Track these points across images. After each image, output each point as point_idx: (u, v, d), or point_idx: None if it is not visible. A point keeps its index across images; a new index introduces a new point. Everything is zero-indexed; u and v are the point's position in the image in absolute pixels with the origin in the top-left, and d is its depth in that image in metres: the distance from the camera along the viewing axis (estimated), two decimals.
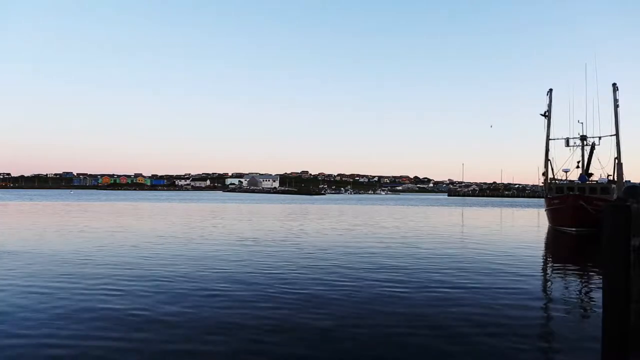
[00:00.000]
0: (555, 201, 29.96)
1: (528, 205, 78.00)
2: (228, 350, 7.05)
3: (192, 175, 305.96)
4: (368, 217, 41.06)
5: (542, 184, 37.58)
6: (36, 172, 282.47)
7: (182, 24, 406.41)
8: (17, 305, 9.41)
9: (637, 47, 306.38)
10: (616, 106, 32.61)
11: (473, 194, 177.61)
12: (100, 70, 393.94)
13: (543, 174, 35.78)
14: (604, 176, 33.86)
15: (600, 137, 34.26)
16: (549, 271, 15.55)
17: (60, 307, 9.33)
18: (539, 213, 49.47)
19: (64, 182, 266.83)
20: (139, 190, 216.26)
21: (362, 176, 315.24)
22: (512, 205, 79.37)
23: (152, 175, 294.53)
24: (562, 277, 14.07)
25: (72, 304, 9.52)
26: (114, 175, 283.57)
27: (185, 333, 7.83)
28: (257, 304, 9.77)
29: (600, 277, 4.80)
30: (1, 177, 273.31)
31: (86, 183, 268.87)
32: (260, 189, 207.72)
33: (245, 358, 6.80)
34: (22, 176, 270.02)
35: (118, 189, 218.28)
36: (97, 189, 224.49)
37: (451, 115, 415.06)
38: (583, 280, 13.51)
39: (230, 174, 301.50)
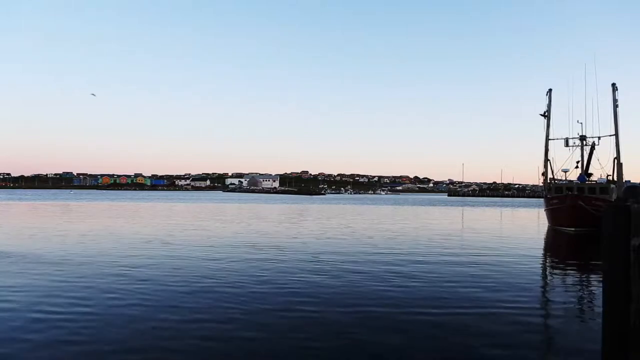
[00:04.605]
0: (554, 201, 29.99)
1: (528, 205, 78.00)
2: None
3: (192, 175, 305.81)
4: (369, 218, 41.03)
5: (542, 184, 37.60)
6: (36, 172, 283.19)
7: (181, 24, 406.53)
8: None
9: (637, 47, 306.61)
10: (615, 106, 32.63)
11: (473, 194, 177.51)
12: (100, 70, 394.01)
13: (543, 174, 35.79)
14: (604, 176, 33.90)
15: (599, 137, 34.31)
16: (548, 271, 15.56)
17: None
18: (538, 213, 49.47)
19: (64, 182, 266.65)
20: (139, 190, 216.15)
21: (362, 176, 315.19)
22: (512, 205, 79.37)
23: (152, 175, 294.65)
24: (561, 277, 14.07)
25: None
26: (114, 175, 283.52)
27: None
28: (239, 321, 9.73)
29: (600, 277, 4.81)
30: (1, 177, 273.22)
31: (86, 183, 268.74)
32: (260, 189, 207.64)
33: None
34: (22, 176, 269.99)
35: (118, 189, 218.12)
36: (97, 189, 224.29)
37: (451, 115, 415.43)
38: (583, 280, 13.51)
39: (230, 174, 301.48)
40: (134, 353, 6.86)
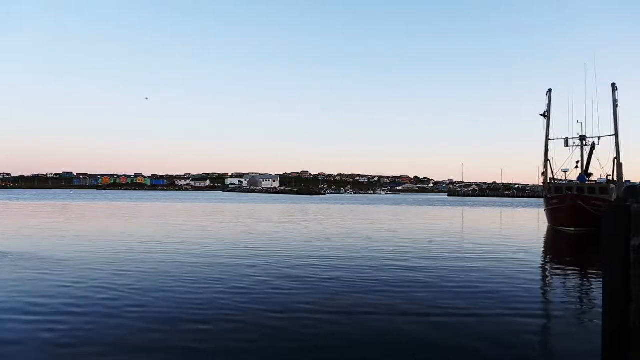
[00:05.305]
0: (554, 201, 30.00)
1: (528, 205, 78.01)
2: None
3: (192, 175, 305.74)
4: (368, 219, 41.01)
5: (542, 184, 37.60)
6: (36, 172, 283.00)
7: (181, 24, 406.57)
8: None
9: (637, 47, 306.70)
10: (615, 106, 32.64)
11: (473, 194, 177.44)
12: (100, 70, 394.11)
13: (543, 174, 35.80)
14: (604, 176, 33.92)
15: (599, 137, 34.34)
16: (548, 271, 15.54)
17: None
18: (538, 213, 49.47)
19: (64, 182, 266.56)
20: (139, 190, 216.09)
21: (362, 176, 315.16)
22: (512, 205, 79.38)
23: (152, 175, 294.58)
24: (561, 277, 14.06)
25: None
26: (114, 175, 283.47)
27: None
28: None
29: (600, 277, 4.80)
30: (1, 177, 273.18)
31: (86, 183, 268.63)
32: (260, 189, 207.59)
33: None
34: (22, 176, 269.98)
35: (118, 189, 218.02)
36: (97, 189, 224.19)
37: (451, 115, 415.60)
38: (583, 280, 13.51)
39: (230, 174, 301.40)
40: (126, 356, 6.85)
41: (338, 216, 42.26)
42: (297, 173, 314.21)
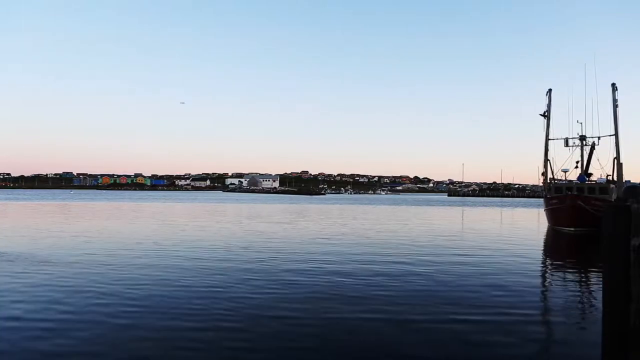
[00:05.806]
0: (554, 201, 30.01)
1: (528, 205, 77.99)
2: None
3: (192, 175, 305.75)
4: (367, 219, 40.98)
5: (542, 184, 37.61)
6: (36, 172, 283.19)
7: (181, 24, 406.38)
8: None
9: (637, 47, 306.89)
10: (615, 106, 32.64)
11: (473, 194, 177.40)
12: (100, 70, 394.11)
13: (542, 174, 35.79)
14: (604, 176, 33.93)
15: (599, 137, 34.35)
16: (548, 271, 15.55)
17: None
18: (539, 213, 49.47)
19: (64, 182, 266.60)
20: (139, 190, 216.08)
21: (362, 176, 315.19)
22: (511, 205, 79.37)
23: (152, 175, 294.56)
24: (561, 277, 14.06)
25: None
26: (114, 175, 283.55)
27: None
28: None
29: (600, 277, 4.80)
30: (1, 177, 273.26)
31: (86, 183, 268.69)
32: (260, 189, 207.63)
33: None
34: (22, 176, 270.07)
35: (118, 189, 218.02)
36: (97, 189, 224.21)
37: (451, 115, 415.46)
38: (583, 280, 13.51)
39: (230, 174, 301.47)
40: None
41: (338, 216, 42.25)
42: (297, 173, 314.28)
